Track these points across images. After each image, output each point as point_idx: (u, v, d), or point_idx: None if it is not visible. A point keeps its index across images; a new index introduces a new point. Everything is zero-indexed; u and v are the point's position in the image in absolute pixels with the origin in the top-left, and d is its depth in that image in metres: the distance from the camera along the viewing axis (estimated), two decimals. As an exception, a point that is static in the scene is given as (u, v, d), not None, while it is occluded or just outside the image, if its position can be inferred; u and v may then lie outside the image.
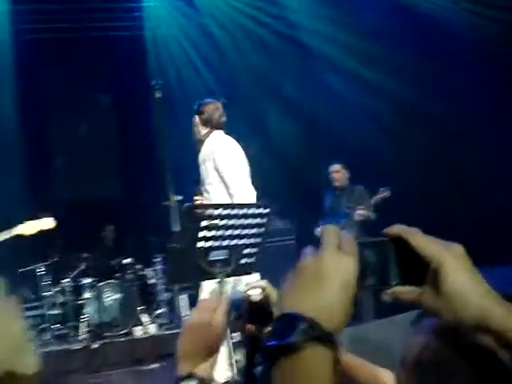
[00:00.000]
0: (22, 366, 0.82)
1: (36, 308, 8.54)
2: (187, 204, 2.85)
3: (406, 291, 0.85)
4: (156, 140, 8.90)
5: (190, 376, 1.14)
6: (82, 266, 8.36)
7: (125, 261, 8.34)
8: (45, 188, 9.62)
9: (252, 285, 1.33)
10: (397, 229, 0.86)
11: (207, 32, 9.77)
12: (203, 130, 4.68)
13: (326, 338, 0.75)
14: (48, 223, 4.38)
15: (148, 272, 8.48)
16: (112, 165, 10.42)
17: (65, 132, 10.28)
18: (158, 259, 8.47)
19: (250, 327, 1.29)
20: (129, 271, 8.31)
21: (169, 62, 9.92)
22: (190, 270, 2.97)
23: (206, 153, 4.55)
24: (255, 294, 1.31)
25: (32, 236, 4.42)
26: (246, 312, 1.28)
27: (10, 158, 8.95)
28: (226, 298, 1.27)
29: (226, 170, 4.31)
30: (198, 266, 2.99)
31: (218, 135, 4.66)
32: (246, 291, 1.31)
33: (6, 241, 4.37)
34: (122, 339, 7.64)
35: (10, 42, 9.33)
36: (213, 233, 2.99)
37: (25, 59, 9.28)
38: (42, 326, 8.22)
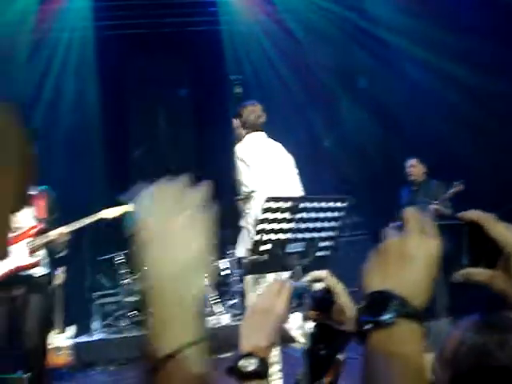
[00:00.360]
0: (193, 286, 0.80)
1: (113, 295, 8.84)
2: (268, 196, 2.89)
3: (478, 273, 0.91)
4: (231, 134, 9.10)
5: (249, 355, 1.20)
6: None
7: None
8: (125, 178, 9.92)
9: (315, 274, 1.39)
10: (472, 214, 0.91)
11: (284, 26, 9.75)
12: (242, 132, 4.85)
13: (415, 315, 0.80)
14: (129, 207, 4.45)
15: (221, 263, 8.60)
16: (188, 157, 10.61)
17: (144, 125, 10.56)
18: (231, 251, 8.58)
19: (313, 313, 1.35)
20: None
21: (245, 56, 9.97)
22: (269, 260, 3.02)
23: None
24: (318, 284, 1.37)
25: (114, 220, 4.61)
26: (310, 299, 1.34)
27: (94, 150, 9.28)
28: (289, 285, 1.31)
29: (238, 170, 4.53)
30: (276, 257, 3.05)
31: (250, 137, 4.81)
32: (309, 280, 1.37)
33: (90, 224, 4.64)
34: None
35: (92, 38, 9.64)
36: (290, 225, 3.03)
37: (106, 55, 9.59)
38: (119, 313, 8.51)
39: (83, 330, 7.96)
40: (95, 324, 8.35)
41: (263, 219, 2.92)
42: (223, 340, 7.19)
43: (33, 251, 4.53)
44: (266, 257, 3.04)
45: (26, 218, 4.61)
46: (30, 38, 9.01)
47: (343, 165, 8.51)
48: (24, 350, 4.35)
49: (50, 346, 6.73)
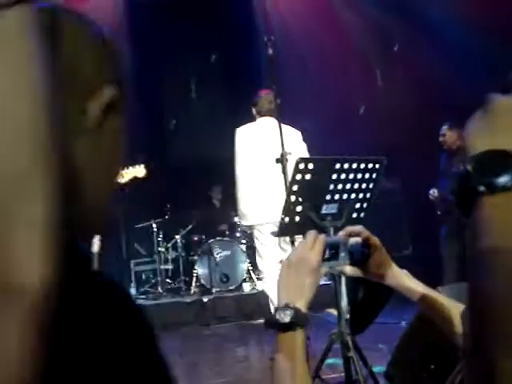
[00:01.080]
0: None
1: (149, 263, 8.96)
2: (300, 157, 2.83)
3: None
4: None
5: (286, 306, 1.22)
6: (193, 224, 8.63)
7: (233, 220, 8.51)
8: (160, 147, 9.97)
9: (350, 229, 1.41)
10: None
11: None
12: (258, 118, 5.31)
13: None
14: (141, 172, 4.56)
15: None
16: (222, 124, 10.59)
17: (177, 91, 10.55)
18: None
19: (350, 267, 1.38)
20: (238, 229, 8.49)
21: (277, 18, 9.81)
22: (302, 222, 2.97)
23: None
24: (353, 238, 1.38)
25: (126, 183, 4.49)
26: (346, 253, 1.36)
27: (128, 120, 9.30)
28: (322, 238, 1.32)
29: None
30: (309, 218, 2.99)
31: (256, 122, 5.32)
32: (344, 235, 1.39)
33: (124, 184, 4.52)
34: (231, 294, 7.87)
35: (122, 7, 9.62)
36: (325, 186, 2.97)
37: (137, 23, 9.57)
38: (154, 280, 8.63)
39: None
40: (132, 291, 8.47)
41: (295, 180, 2.86)
42: (257, 306, 7.26)
43: None
44: (298, 219, 2.99)
45: None
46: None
47: (379, 131, 8.35)
48: None
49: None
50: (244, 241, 8.35)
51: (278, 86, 3.61)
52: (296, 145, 4.95)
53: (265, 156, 4.85)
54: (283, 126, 4.59)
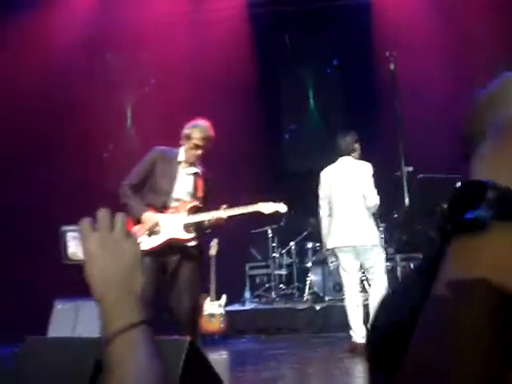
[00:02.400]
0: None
1: (264, 267, 9.14)
2: (422, 175, 2.83)
3: None
4: (385, 110, 8.93)
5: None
6: (308, 231, 8.70)
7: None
8: (277, 156, 10.15)
9: None
10: None
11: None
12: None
13: None
14: (283, 208, 4.92)
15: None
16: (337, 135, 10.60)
17: (295, 101, 10.68)
18: (381, 228, 8.52)
19: None
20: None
21: (397, 30, 9.61)
22: (421, 239, 2.98)
23: None
24: None
25: (267, 215, 4.89)
26: None
27: (246, 127, 9.54)
28: None
29: None
30: (430, 236, 3.00)
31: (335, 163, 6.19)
32: None
33: (247, 213, 4.80)
34: (342, 304, 7.86)
35: (245, 15, 9.87)
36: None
37: (259, 31, 9.80)
38: (268, 285, 8.79)
39: (235, 299, 8.33)
40: (246, 294, 8.69)
41: (417, 199, 2.87)
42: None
43: (188, 228, 4.76)
44: (419, 237, 3.00)
45: (184, 192, 4.85)
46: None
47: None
48: (177, 313, 4.64)
49: (204, 313, 7.16)
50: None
51: (399, 100, 3.61)
52: (366, 178, 5.57)
53: (344, 193, 5.72)
54: (358, 162, 5.64)
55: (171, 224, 4.74)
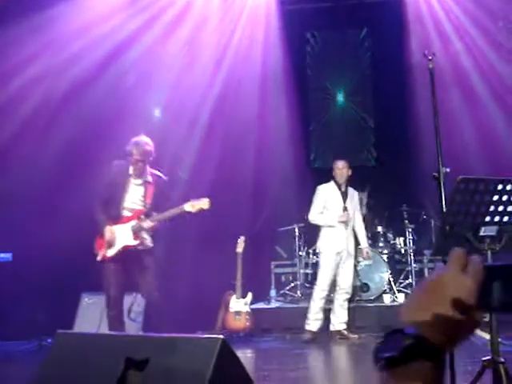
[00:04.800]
0: None
1: (289, 266, 9.09)
2: (461, 176, 2.76)
3: None
4: (414, 110, 8.83)
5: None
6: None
7: (377, 228, 8.42)
8: (304, 153, 10.09)
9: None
10: None
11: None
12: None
13: (431, 353, 0.78)
14: (206, 205, 5.38)
15: (399, 241, 8.48)
16: (367, 135, 10.51)
17: (323, 101, 10.61)
18: (410, 229, 8.43)
19: None
20: (381, 239, 8.38)
21: (432, 30, 9.44)
22: (458, 243, 2.91)
23: None
24: None
25: (194, 213, 5.42)
26: None
27: (274, 125, 9.51)
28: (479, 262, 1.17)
29: None
30: (467, 240, 2.92)
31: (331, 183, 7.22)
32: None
33: (174, 215, 5.47)
34: (371, 304, 7.80)
35: (275, 13, 9.81)
36: (485, 208, 2.89)
37: (288, 29, 9.74)
38: (294, 284, 8.73)
39: (261, 297, 8.29)
40: (272, 292, 8.65)
41: (455, 201, 2.80)
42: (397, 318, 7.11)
43: (135, 233, 5.44)
44: (454, 239, 2.93)
45: (134, 202, 5.52)
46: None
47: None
48: (149, 300, 5.67)
49: (230, 310, 7.14)
50: (386, 251, 8.24)
51: (436, 100, 3.52)
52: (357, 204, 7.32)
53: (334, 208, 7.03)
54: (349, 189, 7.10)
55: (123, 233, 5.43)
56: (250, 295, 7.28)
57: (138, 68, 8.86)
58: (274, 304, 8.39)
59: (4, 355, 6.69)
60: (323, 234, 7.14)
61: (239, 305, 7.20)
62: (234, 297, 7.23)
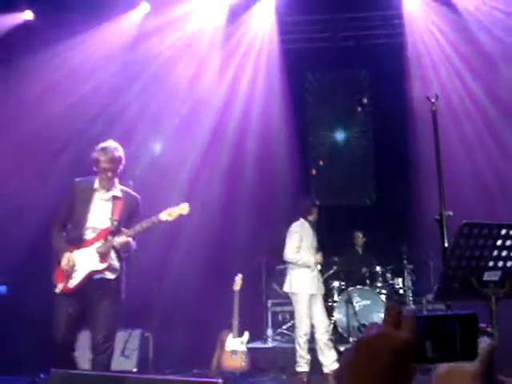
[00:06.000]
0: None
1: (286, 304, 8.97)
2: (465, 221, 2.74)
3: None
4: (415, 151, 8.87)
5: None
6: (334, 270, 8.57)
7: (376, 268, 8.37)
8: (305, 192, 10.09)
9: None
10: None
11: (473, 39, 9.14)
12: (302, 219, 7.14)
13: None
14: (185, 209, 4.75)
15: (397, 281, 8.42)
16: (366, 173, 10.53)
17: (322, 136, 10.66)
18: (409, 269, 8.38)
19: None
20: (379, 279, 8.33)
21: (430, 70, 9.53)
22: (461, 287, 2.88)
23: None
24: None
25: (172, 221, 4.73)
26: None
27: (275, 157, 9.52)
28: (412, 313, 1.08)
29: None
30: (470, 284, 2.89)
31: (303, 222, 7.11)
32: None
33: (152, 226, 4.72)
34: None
35: (277, 51, 9.92)
36: (488, 252, 2.86)
37: (290, 68, 9.84)
38: (291, 322, 8.63)
39: (257, 335, 8.18)
40: (269, 331, 8.54)
41: (458, 245, 2.78)
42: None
43: (102, 256, 4.68)
44: (458, 284, 2.89)
45: (100, 220, 4.75)
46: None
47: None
48: (95, 340, 4.60)
49: (226, 349, 7.03)
50: (384, 291, 8.18)
51: (439, 142, 3.53)
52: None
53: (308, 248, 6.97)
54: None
55: (86, 258, 4.67)
56: (246, 334, 7.18)
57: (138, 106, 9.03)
58: (270, 343, 8.28)
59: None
60: (297, 274, 6.96)
61: (235, 344, 7.09)
62: (230, 335, 7.13)
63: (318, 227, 7.23)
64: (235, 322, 7.16)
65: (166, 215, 4.70)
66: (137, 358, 7.22)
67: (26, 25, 8.96)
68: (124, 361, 7.15)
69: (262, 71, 9.72)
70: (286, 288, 7.06)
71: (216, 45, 9.48)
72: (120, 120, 8.40)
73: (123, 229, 4.69)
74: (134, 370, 7.07)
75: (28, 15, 9.05)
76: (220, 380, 1.85)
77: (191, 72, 9.25)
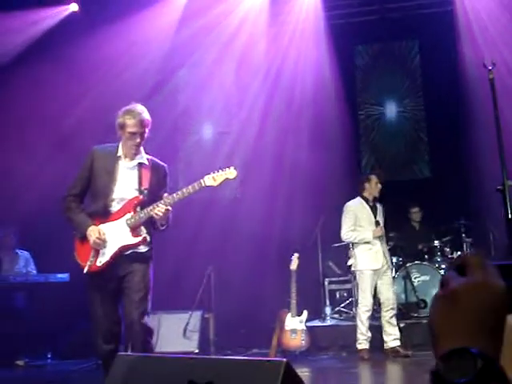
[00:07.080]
0: None
1: (344, 282, 8.95)
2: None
3: None
4: (470, 121, 8.65)
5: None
6: (391, 245, 8.47)
7: (434, 243, 8.24)
8: (357, 167, 10.00)
9: None
10: None
11: None
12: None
13: (501, 376, 0.68)
14: (232, 174, 4.36)
15: (457, 255, 8.27)
16: (420, 145, 10.33)
17: (375, 110, 10.50)
18: (467, 243, 8.22)
19: None
20: (438, 253, 8.19)
21: (481, 38, 9.21)
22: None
23: None
24: None
25: (219, 185, 4.36)
26: None
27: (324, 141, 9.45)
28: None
29: None
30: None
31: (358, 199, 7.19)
32: None
33: (192, 194, 4.28)
34: (426, 321, 7.59)
35: (323, 27, 9.79)
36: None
37: (338, 43, 9.72)
38: (349, 300, 8.60)
39: (316, 314, 8.19)
40: (327, 309, 8.53)
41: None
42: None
43: (134, 229, 4.25)
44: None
45: (127, 190, 4.33)
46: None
47: None
48: (129, 318, 4.12)
49: (286, 328, 7.07)
50: (443, 265, 8.04)
51: (498, 111, 3.42)
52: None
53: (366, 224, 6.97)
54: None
55: (116, 232, 4.24)
56: (305, 313, 7.20)
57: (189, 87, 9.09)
58: (329, 321, 8.28)
59: (61, 374, 6.76)
60: (359, 251, 7.00)
61: (295, 323, 7.12)
62: (289, 315, 7.16)
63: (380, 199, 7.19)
64: (293, 301, 7.19)
65: (210, 179, 4.31)
66: (198, 338, 7.33)
67: (72, 16, 9.13)
68: (185, 342, 7.28)
69: (310, 48, 9.62)
70: (352, 265, 7.21)
71: (262, 25, 9.44)
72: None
73: (165, 194, 4.23)
74: (196, 351, 7.18)
75: (74, 7, 9.20)
76: (284, 359, 1.84)
77: (238, 53, 9.26)
